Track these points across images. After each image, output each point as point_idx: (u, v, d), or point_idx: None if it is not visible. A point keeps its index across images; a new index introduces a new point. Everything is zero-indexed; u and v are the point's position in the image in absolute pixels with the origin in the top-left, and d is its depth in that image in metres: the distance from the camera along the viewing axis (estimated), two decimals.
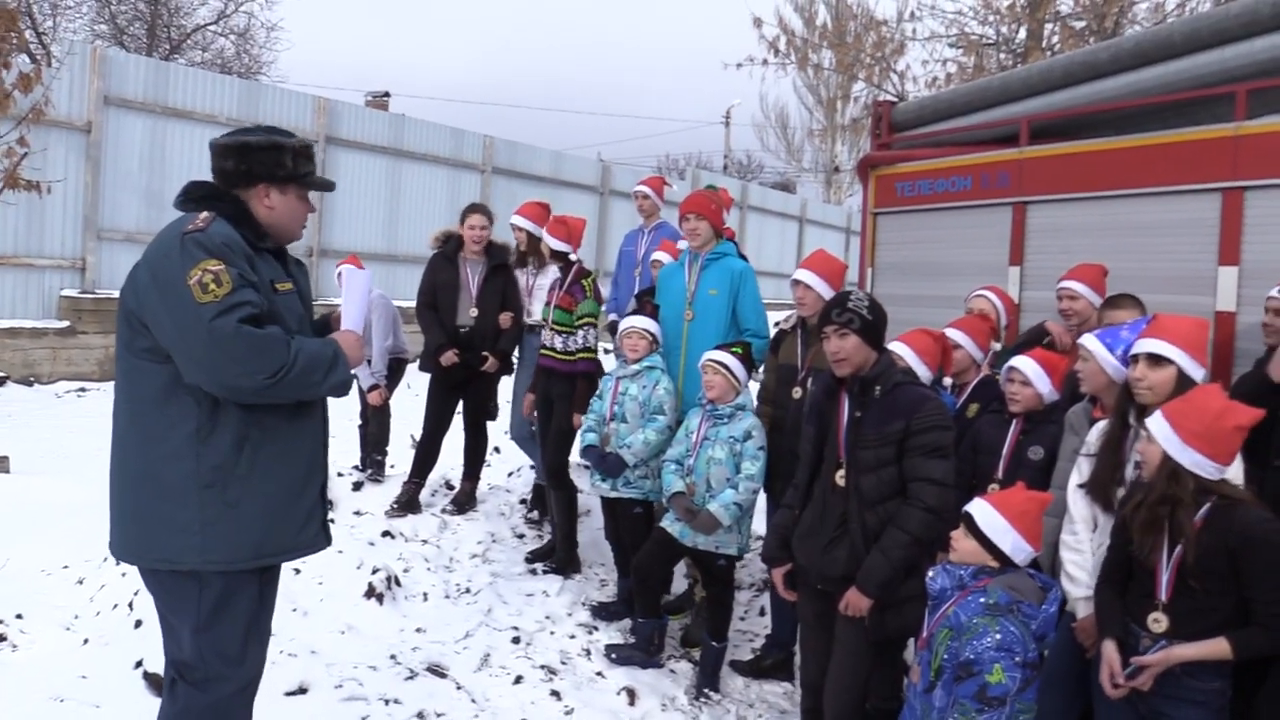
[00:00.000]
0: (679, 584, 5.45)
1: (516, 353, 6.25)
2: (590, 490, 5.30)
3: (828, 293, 4.34)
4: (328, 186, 2.96)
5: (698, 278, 4.99)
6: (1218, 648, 2.68)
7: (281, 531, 2.73)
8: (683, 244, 5.76)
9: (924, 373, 3.95)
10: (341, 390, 2.75)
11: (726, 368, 4.44)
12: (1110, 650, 2.86)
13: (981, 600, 2.88)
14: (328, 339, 2.77)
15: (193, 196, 2.71)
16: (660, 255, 5.77)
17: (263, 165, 2.72)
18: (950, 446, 3.33)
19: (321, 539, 2.89)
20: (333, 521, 5.33)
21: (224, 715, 2.77)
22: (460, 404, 6.07)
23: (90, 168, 11.14)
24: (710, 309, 4.92)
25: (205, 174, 2.80)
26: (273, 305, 2.65)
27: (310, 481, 2.82)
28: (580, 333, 5.39)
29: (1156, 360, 3.05)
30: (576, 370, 5.38)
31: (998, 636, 2.80)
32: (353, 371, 2.91)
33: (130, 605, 4.37)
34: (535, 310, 6.03)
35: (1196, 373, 3.03)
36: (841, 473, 3.40)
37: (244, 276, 2.55)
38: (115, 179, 11.41)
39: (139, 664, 3.97)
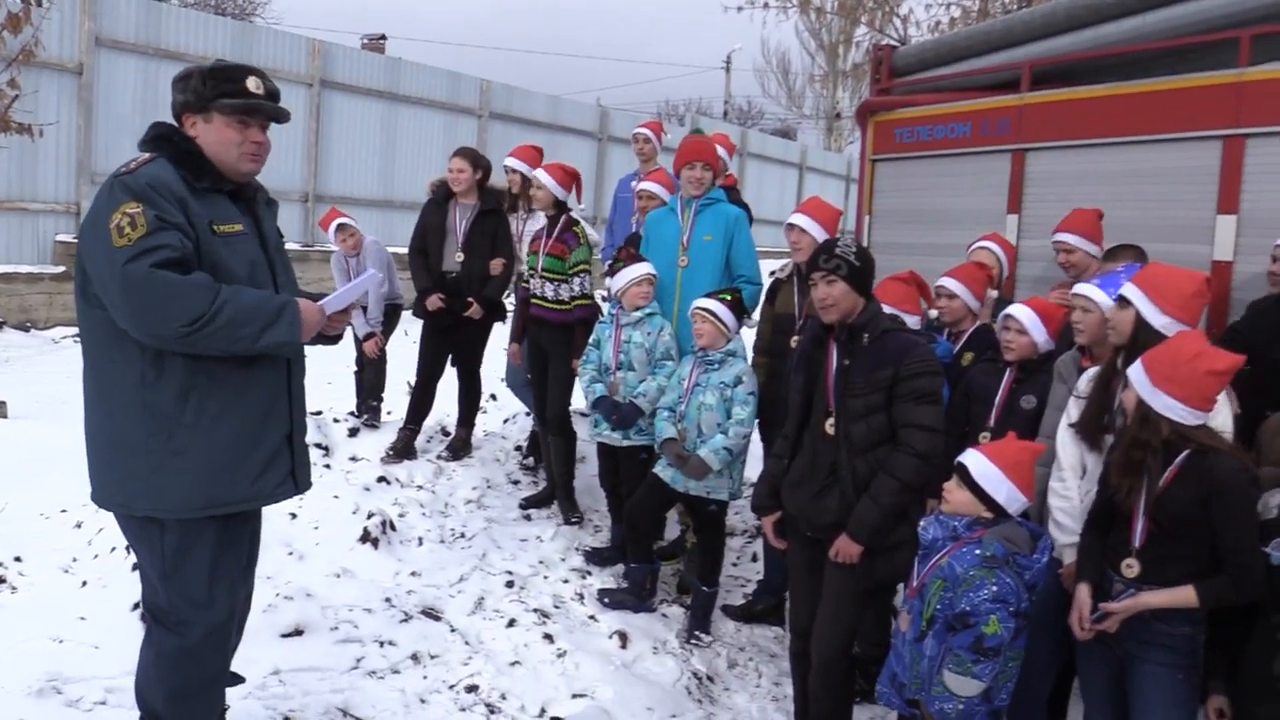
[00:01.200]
0: (672, 530, 5.49)
1: (511, 299, 6.21)
2: (590, 438, 5.31)
3: (823, 237, 4.32)
4: (264, 112, 2.72)
5: (693, 223, 4.94)
6: (1184, 596, 2.71)
7: (235, 481, 2.70)
8: (647, 185, 5.56)
9: (911, 320, 3.95)
10: (284, 350, 2.69)
11: (715, 315, 4.42)
12: (1083, 593, 2.89)
13: (977, 552, 2.91)
14: (279, 295, 2.69)
15: (147, 137, 2.69)
16: (648, 185, 5.56)
17: (180, 94, 2.69)
18: (939, 392, 3.33)
19: (287, 488, 2.86)
20: (328, 467, 5.41)
21: (195, 657, 2.79)
22: (452, 351, 6.07)
23: (82, 110, 11.02)
24: (705, 255, 4.89)
25: None
26: (209, 249, 2.58)
27: (268, 430, 2.77)
28: (576, 280, 5.36)
29: (1122, 302, 3.07)
30: (573, 318, 5.35)
31: (994, 588, 2.83)
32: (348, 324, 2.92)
33: (128, 548, 4.39)
34: (524, 257, 5.98)
35: (1157, 319, 2.98)
36: (831, 421, 3.40)
37: (163, 219, 2.47)
38: (108, 122, 11.29)
39: (136, 606, 3.99)
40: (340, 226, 6.32)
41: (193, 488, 2.63)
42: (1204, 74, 4.38)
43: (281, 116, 2.79)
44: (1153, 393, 2.73)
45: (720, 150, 6.19)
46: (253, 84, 2.71)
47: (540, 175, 5.50)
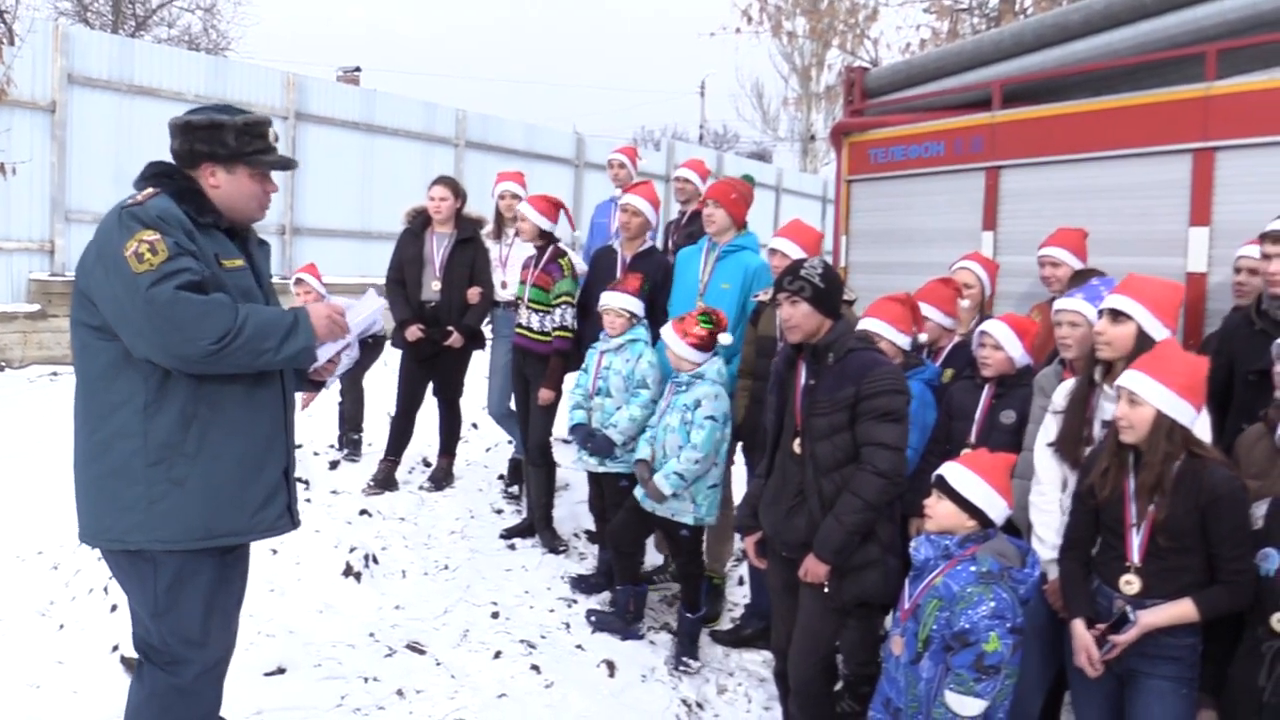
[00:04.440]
0: (653, 557, 5.45)
1: (489, 327, 6.19)
2: (573, 466, 5.27)
3: None
4: (285, 165, 2.83)
5: (712, 268, 4.91)
6: (1183, 610, 2.71)
7: (235, 512, 2.68)
8: (629, 197, 5.41)
9: (902, 340, 3.94)
10: (303, 359, 2.70)
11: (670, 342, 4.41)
12: (1081, 631, 2.87)
13: (973, 569, 2.90)
14: (289, 308, 2.71)
15: (145, 175, 2.69)
16: (630, 198, 5.28)
17: (204, 144, 2.68)
18: (902, 410, 3.29)
19: (285, 523, 2.84)
20: (308, 501, 5.36)
21: (191, 696, 2.74)
22: (432, 380, 6.04)
23: (56, 148, 10.94)
24: (720, 302, 4.76)
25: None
26: (217, 280, 2.60)
27: (268, 462, 2.76)
28: (557, 311, 5.34)
29: (1116, 315, 3.06)
30: (552, 349, 5.35)
31: (992, 604, 2.82)
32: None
33: (105, 590, 4.33)
34: (511, 281, 5.96)
35: (1158, 332, 3.02)
36: (798, 440, 3.41)
37: (181, 245, 2.51)
38: (82, 159, 11.21)
39: (115, 648, 3.94)
40: (298, 280, 6.33)
41: (193, 518, 2.60)
42: (1172, 89, 4.44)
43: (293, 166, 2.90)
44: (1170, 398, 2.72)
45: (693, 175, 6.22)
46: (272, 136, 2.78)
47: (524, 208, 5.48)
